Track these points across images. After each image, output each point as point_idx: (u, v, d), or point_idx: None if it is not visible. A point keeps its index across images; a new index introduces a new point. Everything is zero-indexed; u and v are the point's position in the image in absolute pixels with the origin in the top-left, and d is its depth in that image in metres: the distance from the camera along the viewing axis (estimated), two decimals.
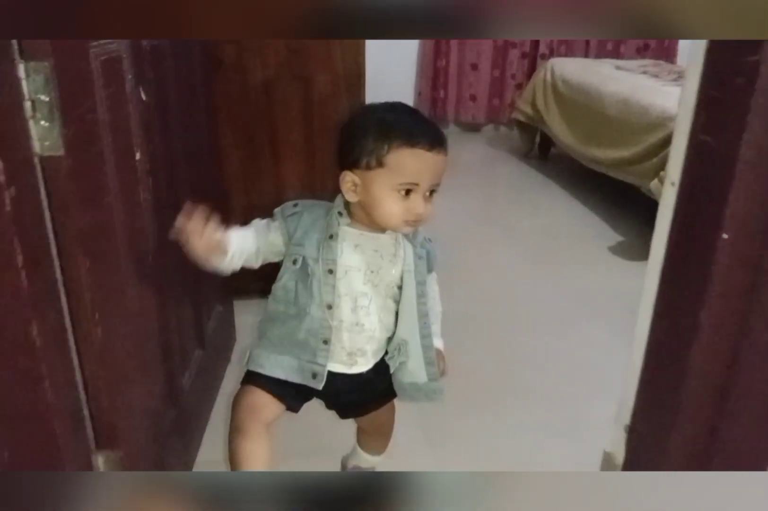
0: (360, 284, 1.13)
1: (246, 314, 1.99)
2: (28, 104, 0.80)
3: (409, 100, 4.66)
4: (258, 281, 1.87)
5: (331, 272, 1.10)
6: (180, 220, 1.00)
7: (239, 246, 1.10)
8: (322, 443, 1.57)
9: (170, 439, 1.32)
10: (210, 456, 1.48)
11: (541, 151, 4.05)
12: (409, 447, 1.57)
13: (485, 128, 4.78)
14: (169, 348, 1.34)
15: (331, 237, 1.10)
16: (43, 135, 0.83)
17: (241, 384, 1.19)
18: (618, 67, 3.54)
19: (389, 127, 1.05)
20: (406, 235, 1.15)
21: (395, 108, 1.11)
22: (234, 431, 1.13)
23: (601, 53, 4.49)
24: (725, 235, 0.93)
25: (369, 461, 1.44)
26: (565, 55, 4.42)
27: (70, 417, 0.90)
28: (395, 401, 1.30)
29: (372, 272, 1.13)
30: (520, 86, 4.51)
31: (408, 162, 1.04)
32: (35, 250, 0.80)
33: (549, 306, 2.31)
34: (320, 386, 1.15)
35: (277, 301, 1.15)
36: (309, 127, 1.88)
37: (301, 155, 1.89)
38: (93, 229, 0.93)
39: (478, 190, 3.74)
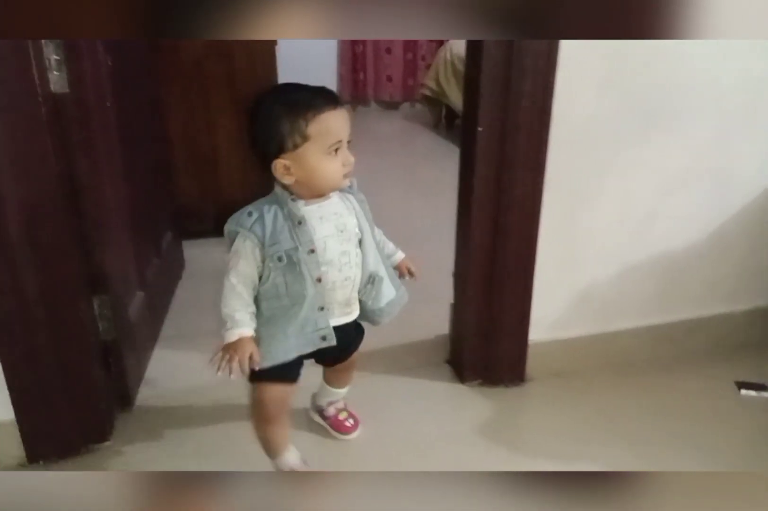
0: (338, 247, 1.24)
1: (195, 248, 2.52)
2: (47, 61, 1.34)
3: (332, 82, 5.21)
4: (205, 222, 2.42)
5: (312, 251, 1.20)
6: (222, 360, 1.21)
7: (252, 310, 1.24)
8: None
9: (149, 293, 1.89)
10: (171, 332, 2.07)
11: (447, 122, 4.65)
12: None
13: (402, 106, 5.36)
14: (143, 232, 1.92)
15: (299, 223, 1.19)
16: (55, 80, 1.37)
17: (253, 382, 1.32)
18: None
19: (295, 105, 1.14)
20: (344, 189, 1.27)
21: (284, 89, 1.21)
22: (262, 422, 1.37)
23: None
24: (480, 129, 1.53)
25: (338, 394, 1.59)
26: None
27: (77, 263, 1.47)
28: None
29: (341, 231, 1.24)
30: (430, 67, 5.09)
31: (328, 125, 1.15)
32: (57, 146, 1.35)
33: (440, 229, 2.89)
34: (334, 342, 1.27)
35: (269, 298, 1.23)
36: (233, 93, 2.43)
37: (227, 114, 2.44)
38: (85, 137, 1.48)
39: (394, 157, 4.33)
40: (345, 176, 1.20)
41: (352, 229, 1.25)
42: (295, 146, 1.15)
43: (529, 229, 1.63)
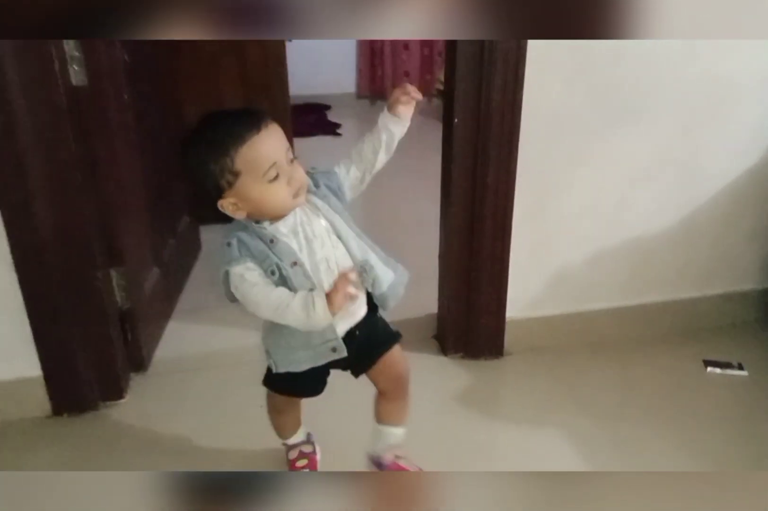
0: (314, 257, 1.18)
1: (213, 233, 2.69)
2: (68, 57, 1.52)
3: (352, 77, 5.38)
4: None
5: (295, 263, 1.15)
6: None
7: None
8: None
9: (165, 268, 2.07)
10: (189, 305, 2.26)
11: None
12: None
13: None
14: (159, 215, 2.12)
15: (272, 241, 1.15)
16: (75, 75, 1.55)
17: (267, 387, 1.39)
18: None
19: (214, 143, 1.08)
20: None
21: (205, 125, 1.12)
22: (272, 410, 1.48)
23: None
24: (456, 120, 1.67)
25: (395, 435, 1.44)
26: None
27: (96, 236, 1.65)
28: None
29: (313, 239, 1.18)
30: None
31: (255, 153, 1.08)
32: (77, 133, 1.53)
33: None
34: (345, 353, 1.23)
35: None
36: (245, 87, 2.61)
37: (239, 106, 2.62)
38: (102, 126, 1.66)
39: (409, 150, 4.40)
40: (296, 195, 1.14)
41: (323, 231, 1.20)
42: (231, 184, 1.11)
43: (503, 215, 1.77)
